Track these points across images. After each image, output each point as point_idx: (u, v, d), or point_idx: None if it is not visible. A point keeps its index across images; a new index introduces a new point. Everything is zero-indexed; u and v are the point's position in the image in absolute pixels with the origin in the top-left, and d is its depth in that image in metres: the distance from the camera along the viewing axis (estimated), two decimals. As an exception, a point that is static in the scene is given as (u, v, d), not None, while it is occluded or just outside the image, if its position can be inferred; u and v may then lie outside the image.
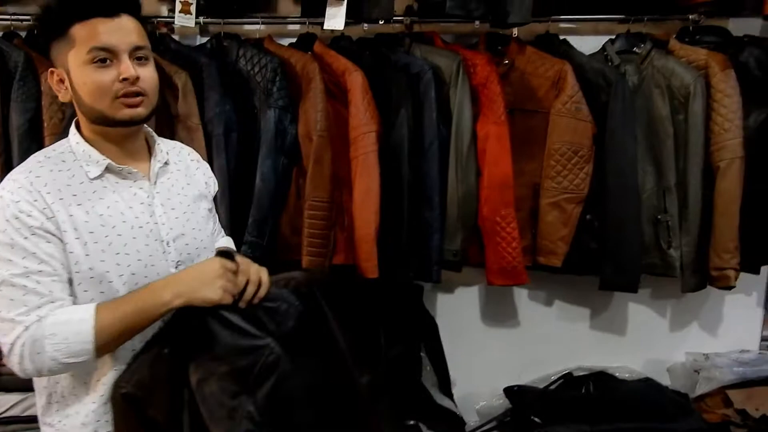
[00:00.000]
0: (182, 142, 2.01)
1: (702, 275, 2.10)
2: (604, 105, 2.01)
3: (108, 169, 1.20)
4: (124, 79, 1.13)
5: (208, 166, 1.46)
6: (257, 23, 2.10)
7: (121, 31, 1.15)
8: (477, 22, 1.99)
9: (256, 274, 1.18)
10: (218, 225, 1.48)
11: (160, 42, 2.08)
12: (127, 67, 1.13)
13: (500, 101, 2.00)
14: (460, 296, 2.39)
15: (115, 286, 1.16)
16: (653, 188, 2.08)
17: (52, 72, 1.19)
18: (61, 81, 1.18)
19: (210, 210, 1.40)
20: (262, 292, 1.17)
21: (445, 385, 2.27)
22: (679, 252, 2.07)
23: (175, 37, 2.16)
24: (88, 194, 1.17)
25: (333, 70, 2.02)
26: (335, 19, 1.94)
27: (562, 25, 2.11)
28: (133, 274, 1.18)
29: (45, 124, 2.04)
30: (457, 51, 2.04)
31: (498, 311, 2.40)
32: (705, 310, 2.39)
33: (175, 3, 2.00)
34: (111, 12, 1.14)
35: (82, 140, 1.20)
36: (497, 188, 2.04)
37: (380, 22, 2.01)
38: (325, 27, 1.94)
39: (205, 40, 2.14)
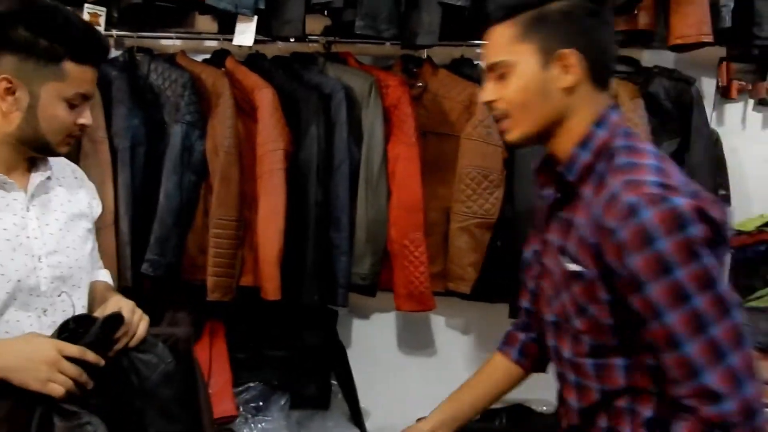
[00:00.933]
0: (87, 154, 2.02)
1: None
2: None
3: None
4: (83, 126, 1.21)
5: (93, 187, 1.45)
6: (171, 38, 2.09)
7: (95, 81, 1.22)
8: (388, 43, 1.99)
9: (136, 323, 1.20)
10: (97, 253, 1.45)
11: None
12: (88, 116, 1.21)
13: (411, 122, 2.01)
14: (374, 322, 2.35)
15: None
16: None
17: (6, 80, 1.13)
18: (10, 92, 1.14)
19: (90, 230, 1.37)
20: (133, 342, 1.18)
21: (356, 414, 2.21)
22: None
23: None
24: None
25: (243, 86, 2.01)
26: (244, 35, 1.93)
27: (478, 50, 2.12)
28: None
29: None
30: (371, 72, 2.05)
31: (414, 338, 2.36)
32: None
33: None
34: (99, 64, 1.23)
35: None
36: (406, 211, 2.02)
37: (291, 40, 2.01)
38: (234, 42, 1.94)
39: (119, 53, 2.13)
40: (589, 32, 1.06)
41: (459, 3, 1.87)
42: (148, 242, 1.98)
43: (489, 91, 1.10)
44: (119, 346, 1.17)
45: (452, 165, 2.06)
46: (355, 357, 2.23)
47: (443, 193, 2.09)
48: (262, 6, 1.91)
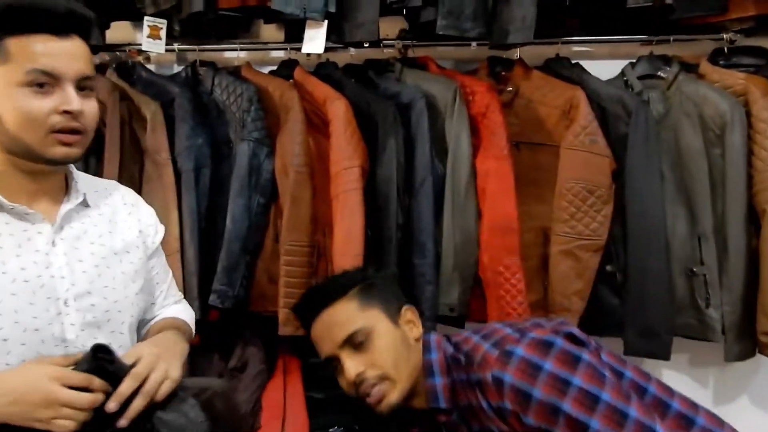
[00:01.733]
0: (150, 178, 1.89)
1: (750, 340, 1.80)
2: (623, 137, 1.78)
3: None
4: (66, 112, 0.98)
5: (151, 211, 1.27)
6: (236, 50, 1.96)
7: (70, 55, 0.99)
8: (474, 44, 1.79)
9: (155, 381, 0.96)
10: (169, 287, 1.29)
11: (132, 71, 1.96)
12: (71, 98, 0.98)
13: (502, 133, 1.79)
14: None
15: None
16: (686, 235, 1.81)
17: None
18: None
19: (141, 265, 1.18)
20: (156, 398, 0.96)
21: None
22: (720, 312, 1.79)
23: (151, 65, 2.03)
24: None
25: (314, 98, 1.85)
26: (314, 42, 1.77)
27: (575, 47, 1.90)
28: (5, 340, 0.97)
29: None
30: (454, 77, 1.86)
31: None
32: (755, 382, 2.06)
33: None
34: (62, 30, 0.99)
35: None
36: (499, 233, 1.80)
37: (365, 45, 1.84)
38: (303, 50, 1.79)
39: (181, 68, 2.01)
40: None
41: (558, -8, 1.64)
42: (215, 271, 1.84)
43: (355, 364, 1.17)
44: (136, 406, 0.95)
45: (551, 179, 1.83)
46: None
47: (541, 211, 1.86)
48: (332, 9, 1.75)
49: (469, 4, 1.70)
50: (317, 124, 1.86)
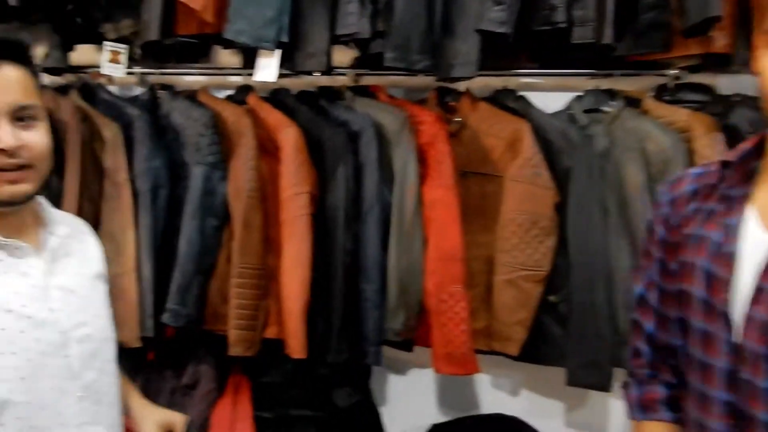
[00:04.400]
0: (109, 198, 1.97)
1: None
2: (567, 170, 1.82)
3: None
4: (2, 150, 0.93)
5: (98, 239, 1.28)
6: (195, 74, 2.03)
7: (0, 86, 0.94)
8: (421, 75, 1.84)
9: None
10: None
11: (94, 92, 2.03)
12: (4, 134, 0.93)
13: (449, 162, 1.85)
14: (412, 379, 2.19)
15: None
16: (629, 268, 1.84)
17: None
18: None
19: (107, 292, 1.21)
20: None
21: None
22: (661, 344, 1.82)
23: (114, 87, 2.11)
24: None
25: (266, 125, 1.93)
26: (267, 70, 1.84)
27: (524, 79, 1.95)
28: (23, 378, 0.96)
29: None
30: (403, 107, 1.91)
31: (456, 399, 2.19)
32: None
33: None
34: None
35: None
36: (444, 261, 1.86)
37: (316, 74, 1.89)
38: (255, 78, 1.85)
39: (141, 91, 2.08)
40: None
41: (501, 30, 1.69)
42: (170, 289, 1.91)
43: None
44: None
45: (495, 209, 1.89)
46: (390, 418, 2.07)
47: (486, 240, 1.91)
48: (284, 39, 1.81)
49: (416, 38, 1.76)
50: (270, 150, 1.92)
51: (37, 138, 0.98)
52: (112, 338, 1.15)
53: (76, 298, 1.07)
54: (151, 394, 1.88)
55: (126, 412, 1.22)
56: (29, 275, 1.01)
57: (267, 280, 1.93)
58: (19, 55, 0.98)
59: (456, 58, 1.76)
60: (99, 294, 1.16)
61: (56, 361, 1.00)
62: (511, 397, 2.15)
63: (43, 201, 1.12)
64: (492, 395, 2.16)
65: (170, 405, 1.86)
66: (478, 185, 1.92)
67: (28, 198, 1.00)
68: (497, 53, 1.83)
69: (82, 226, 1.23)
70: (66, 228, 1.13)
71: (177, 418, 1.27)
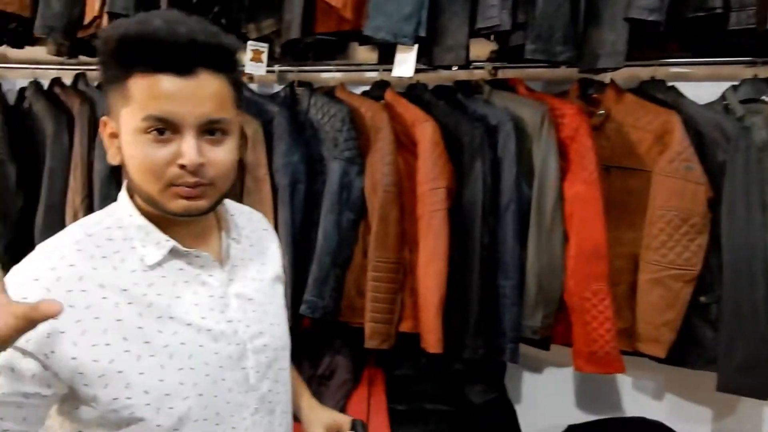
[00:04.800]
0: (250, 192, 2.06)
1: None
2: (721, 165, 1.72)
3: (171, 253, 0.94)
4: (182, 166, 0.86)
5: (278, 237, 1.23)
6: (332, 71, 2.07)
7: (192, 97, 0.85)
8: (564, 67, 1.79)
9: None
10: None
11: (236, 90, 2.11)
12: (187, 150, 0.86)
13: (592, 157, 1.78)
14: (549, 378, 2.14)
15: (176, 412, 0.90)
16: (791, 267, 1.72)
17: (104, 123, 0.93)
18: (113, 136, 0.91)
19: (283, 294, 1.15)
20: None
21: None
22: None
23: (254, 85, 2.19)
24: (141, 287, 0.91)
25: (403, 120, 1.93)
26: (404, 66, 1.84)
27: (673, 69, 1.84)
28: (201, 395, 0.92)
29: (123, 170, 2.15)
30: (543, 100, 1.87)
31: (594, 400, 2.12)
32: None
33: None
34: (184, 67, 0.85)
35: (136, 212, 0.93)
36: (587, 258, 1.80)
37: (454, 68, 1.88)
38: (393, 74, 1.86)
39: (281, 88, 2.15)
40: None
41: (652, 17, 1.61)
42: (306, 282, 1.96)
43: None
44: None
45: (641, 205, 1.81)
46: (525, 417, 2.04)
47: (631, 237, 1.84)
48: (422, 34, 1.81)
49: (559, 27, 1.71)
50: (406, 145, 1.94)
51: (222, 155, 0.90)
52: (288, 346, 1.10)
53: (253, 307, 1.02)
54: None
55: (295, 412, 1.21)
56: (209, 285, 0.97)
57: (403, 274, 1.95)
58: (222, 61, 0.89)
59: (602, 48, 1.69)
60: (277, 298, 1.11)
61: (234, 375, 0.97)
62: (654, 401, 2.06)
63: (227, 202, 1.08)
64: (633, 398, 2.08)
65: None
66: (621, 180, 1.85)
67: (202, 214, 0.93)
68: (644, 42, 1.75)
69: (263, 223, 1.18)
70: (248, 231, 1.10)
71: (343, 420, 1.22)
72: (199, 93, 0.86)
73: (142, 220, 0.93)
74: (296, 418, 1.21)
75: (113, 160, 0.92)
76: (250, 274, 1.05)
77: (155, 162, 0.86)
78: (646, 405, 2.07)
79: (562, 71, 1.90)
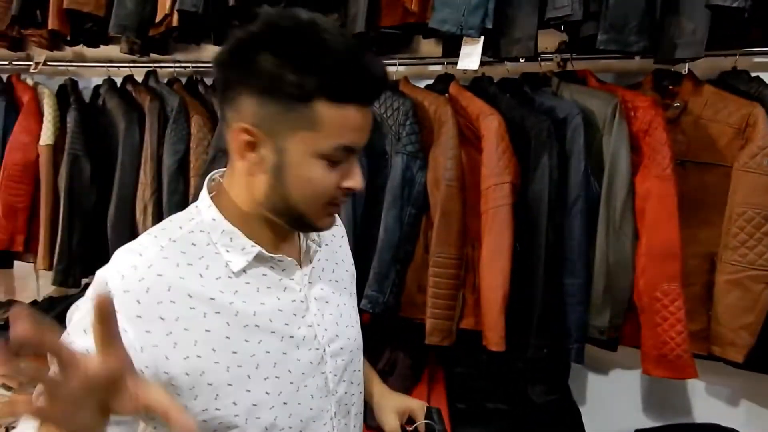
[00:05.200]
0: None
1: None
2: (810, 159, 1.60)
3: (255, 259, 0.92)
4: (349, 189, 0.89)
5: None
6: (395, 64, 2.04)
7: (367, 127, 0.88)
8: (638, 58, 1.70)
9: None
10: None
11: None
12: (357, 175, 0.89)
13: (666, 151, 1.69)
14: (615, 380, 2.06)
15: (263, 422, 0.90)
16: None
17: (246, 130, 0.85)
18: (251, 147, 0.86)
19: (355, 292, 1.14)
20: None
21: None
22: None
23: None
24: (227, 295, 0.89)
25: (468, 113, 1.88)
26: (470, 58, 1.79)
27: (757, 59, 1.73)
28: (285, 403, 0.92)
29: (191, 165, 2.19)
30: (615, 91, 1.78)
31: (663, 404, 2.02)
32: None
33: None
34: (371, 99, 0.87)
35: (220, 216, 0.92)
36: (658, 257, 1.72)
37: (521, 60, 1.82)
38: (458, 66, 1.81)
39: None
40: None
41: (735, 4, 1.52)
42: (366, 276, 1.94)
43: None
44: None
45: (719, 202, 1.72)
46: (589, 419, 1.96)
47: (706, 235, 1.75)
48: (489, 25, 1.75)
49: (634, 16, 1.63)
50: (470, 139, 1.89)
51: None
52: (361, 346, 1.09)
53: (330, 309, 1.01)
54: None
55: (366, 399, 1.21)
56: (290, 289, 0.96)
57: (465, 270, 1.91)
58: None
59: (680, 38, 1.61)
60: (351, 299, 1.09)
61: (314, 381, 0.96)
62: (729, 408, 1.96)
63: None
64: (705, 403, 1.98)
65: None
66: (697, 176, 1.75)
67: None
68: (725, 30, 1.65)
69: (337, 220, 1.13)
70: (327, 232, 1.05)
71: (416, 405, 1.21)
72: (368, 123, 0.88)
73: (228, 225, 0.91)
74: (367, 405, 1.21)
75: (250, 171, 0.88)
76: (326, 275, 1.03)
77: (327, 185, 0.87)
78: (720, 412, 1.96)
79: (635, 62, 1.82)
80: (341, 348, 1.00)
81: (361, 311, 1.93)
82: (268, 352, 0.90)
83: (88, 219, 2.30)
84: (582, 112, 1.77)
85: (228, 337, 0.87)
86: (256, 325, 0.90)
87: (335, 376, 0.99)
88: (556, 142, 1.78)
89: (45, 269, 2.35)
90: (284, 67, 0.81)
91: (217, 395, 0.85)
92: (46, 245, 2.34)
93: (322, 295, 1.00)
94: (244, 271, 0.91)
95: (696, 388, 1.99)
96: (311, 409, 0.95)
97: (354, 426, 1.05)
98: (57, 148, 2.36)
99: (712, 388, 1.98)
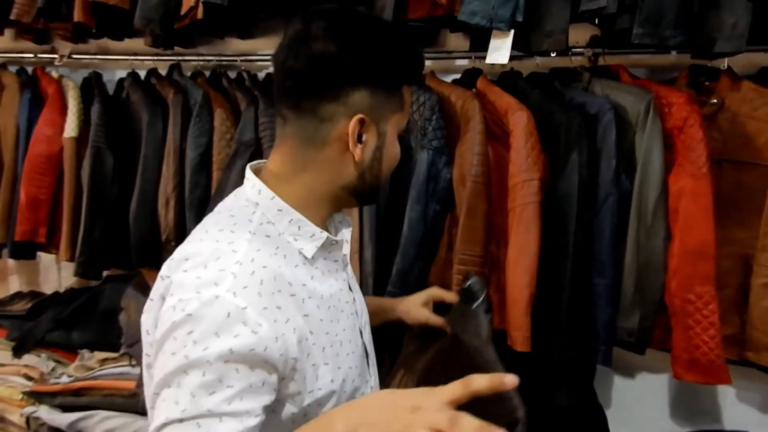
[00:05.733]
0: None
1: None
2: None
3: (323, 246, 0.98)
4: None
5: None
6: (421, 58, 1.99)
7: None
8: (674, 51, 1.64)
9: None
10: None
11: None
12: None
13: (702, 149, 1.63)
14: (642, 383, 2.00)
15: (347, 395, 0.97)
16: None
17: (361, 120, 0.93)
18: (359, 136, 0.94)
19: None
20: None
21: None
22: None
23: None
24: (307, 283, 0.94)
25: (495, 108, 1.83)
26: (499, 52, 1.74)
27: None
28: (359, 375, 1.02)
29: (214, 158, 2.16)
30: (648, 87, 1.72)
31: (692, 409, 1.95)
32: None
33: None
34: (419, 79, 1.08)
35: (287, 206, 0.95)
36: (692, 258, 1.65)
37: (552, 55, 1.76)
38: (487, 60, 1.75)
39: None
40: None
41: (778, -5, 1.45)
42: (390, 273, 1.90)
43: None
44: None
45: (755, 202, 1.65)
46: (616, 424, 1.89)
47: (742, 237, 1.68)
48: (519, 19, 1.69)
49: (671, 9, 1.56)
50: (498, 134, 1.84)
51: None
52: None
53: (355, 287, 1.11)
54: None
55: (389, 316, 1.34)
56: (340, 270, 1.04)
57: (489, 269, 1.86)
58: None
59: (720, 32, 1.54)
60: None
61: (358, 347, 1.04)
62: (761, 414, 1.88)
63: None
64: (737, 410, 1.90)
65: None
66: (734, 175, 1.68)
67: None
68: (765, 24, 1.58)
69: None
70: (349, 224, 1.12)
71: (438, 291, 1.33)
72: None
73: (296, 214, 0.95)
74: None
75: (357, 155, 0.95)
76: (346, 251, 1.09)
77: (399, 157, 1.02)
78: (753, 419, 1.88)
79: (671, 57, 1.76)
80: (366, 321, 1.12)
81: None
82: (344, 330, 0.99)
83: (110, 211, 2.28)
84: (614, 108, 1.70)
85: (321, 320, 0.93)
86: (334, 306, 0.98)
87: (368, 344, 1.10)
88: (587, 138, 1.72)
89: (67, 261, 2.33)
90: (384, 61, 0.93)
91: (317, 376, 0.91)
92: (69, 237, 2.33)
93: (351, 274, 1.11)
94: (314, 257, 0.96)
95: (727, 394, 1.91)
96: (360, 375, 1.03)
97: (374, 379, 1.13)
98: (81, 140, 2.34)
99: (744, 395, 1.90)
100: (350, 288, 1.07)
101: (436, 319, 1.29)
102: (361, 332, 1.07)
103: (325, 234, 0.96)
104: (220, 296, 0.80)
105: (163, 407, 0.78)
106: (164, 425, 0.76)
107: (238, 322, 0.80)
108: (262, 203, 0.95)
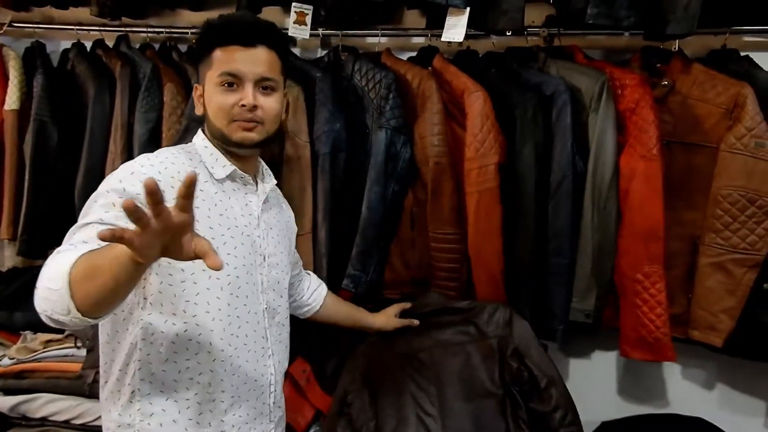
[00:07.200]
0: (289, 158, 1.96)
1: None
2: (797, 143, 1.56)
3: (230, 176, 1.30)
4: (242, 105, 1.24)
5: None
6: (378, 35, 1.94)
7: (252, 61, 1.25)
8: (627, 33, 1.64)
9: None
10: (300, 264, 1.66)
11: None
12: (247, 94, 1.24)
13: (653, 131, 1.64)
14: (592, 363, 2.03)
15: (222, 282, 1.22)
16: None
17: (196, 87, 1.33)
18: (201, 96, 1.31)
19: (293, 246, 1.53)
20: None
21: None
22: None
23: (296, 50, 2.08)
24: (209, 194, 1.25)
25: (452, 88, 1.80)
26: (454, 30, 1.72)
27: (747, 38, 1.68)
28: (238, 277, 1.25)
29: (163, 135, 2.07)
30: (603, 69, 1.72)
31: (640, 387, 2.00)
32: None
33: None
34: (248, 42, 1.26)
35: (210, 144, 1.31)
36: (641, 239, 1.67)
37: (507, 34, 1.74)
38: (443, 38, 1.74)
39: (324, 53, 2.03)
40: None
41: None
42: (344, 253, 1.87)
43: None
44: None
45: (704, 184, 1.68)
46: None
47: (690, 218, 1.71)
48: (477, -4, 1.67)
49: (625, -9, 1.56)
50: (455, 114, 1.82)
51: (270, 103, 1.28)
52: (287, 287, 1.44)
53: (272, 234, 1.37)
54: (331, 355, 1.87)
55: (367, 327, 1.73)
56: (249, 206, 1.33)
57: (464, 244, 1.81)
58: (274, 40, 1.29)
59: (672, 14, 1.55)
60: (287, 239, 1.46)
61: (257, 274, 1.30)
62: (704, 391, 1.94)
63: (262, 161, 1.42)
64: (681, 387, 1.96)
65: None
66: (683, 157, 1.71)
67: (254, 145, 1.29)
68: (716, 8, 1.59)
69: (278, 190, 1.51)
70: (273, 183, 1.42)
71: (402, 304, 1.74)
72: (256, 59, 1.26)
73: (215, 150, 1.30)
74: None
75: (199, 111, 1.32)
76: (273, 213, 1.41)
77: (225, 103, 1.25)
78: (695, 395, 1.94)
79: (624, 38, 1.77)
80: (277, 264, 1.37)
81: (338, 288, 1.88)
82: (233, 237, 1.26)
83: (54, 188, 2.17)
84: (569, 90, 1.70)
85: (209, 217, 1.23)
86: (226, 218, 1.26)
87: (268, 281, 1.33)
88: (543, 119, 1.72)
89: (9, 239, 2.23)
90: (201, 42, 1.29)
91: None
92: (10, 215, 2.21)
93: (269, 222, 1.38)
94: (221, 182, 1.28)
95: (673, 372, 1.96)
96: (247, 296, 1.28)
97: (278, 333, 1.37)
98: (22, 113, 2.21)
99: (689, 372, 1.95)
100: (262, 224, 1.33)
101: (410, 322, 1.72)
102: (263, 258, 1.32)
103: (233, 166, 1.29)
104: (133, 165, 1.18)
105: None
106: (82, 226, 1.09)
107: (137, 179, 1.12)
108: (198, 143, 1.32)
